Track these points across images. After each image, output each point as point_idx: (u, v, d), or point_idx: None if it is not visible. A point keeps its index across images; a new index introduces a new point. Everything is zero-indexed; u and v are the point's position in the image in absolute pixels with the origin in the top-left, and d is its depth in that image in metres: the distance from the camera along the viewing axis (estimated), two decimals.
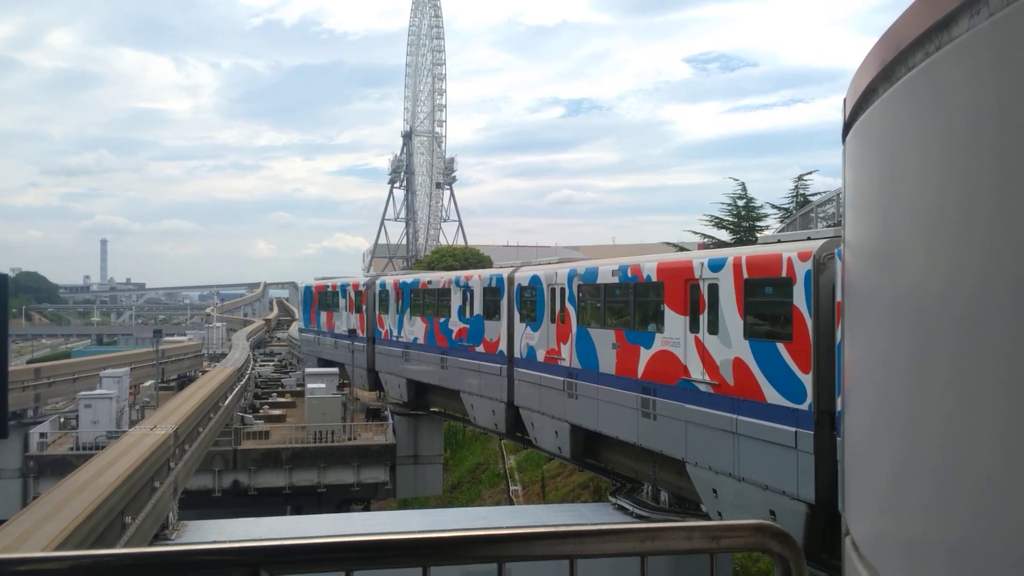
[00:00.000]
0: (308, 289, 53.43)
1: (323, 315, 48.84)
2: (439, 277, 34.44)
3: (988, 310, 1.32)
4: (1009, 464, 1.24)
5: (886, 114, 1.72)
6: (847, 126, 2.05)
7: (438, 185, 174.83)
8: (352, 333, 42.91)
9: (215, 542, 2.22)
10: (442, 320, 32.59)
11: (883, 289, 1.79)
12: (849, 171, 2.04)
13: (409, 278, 36.75)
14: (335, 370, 48.24)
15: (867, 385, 1.93)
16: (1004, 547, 1.24)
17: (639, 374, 20.26)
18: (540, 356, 25.38)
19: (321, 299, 49.57)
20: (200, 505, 34.53)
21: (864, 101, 1.85)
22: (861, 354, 1.98)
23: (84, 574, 1.93)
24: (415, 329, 35.24)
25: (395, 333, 37.26)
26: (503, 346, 27.95)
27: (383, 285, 39.42)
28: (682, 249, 42.41)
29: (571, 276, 23.79)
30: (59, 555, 1.94)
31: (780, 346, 15.61)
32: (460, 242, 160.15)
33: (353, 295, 42.91)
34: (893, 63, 1.62)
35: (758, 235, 51.39)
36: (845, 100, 2.08)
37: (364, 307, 40.79)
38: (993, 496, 1.28)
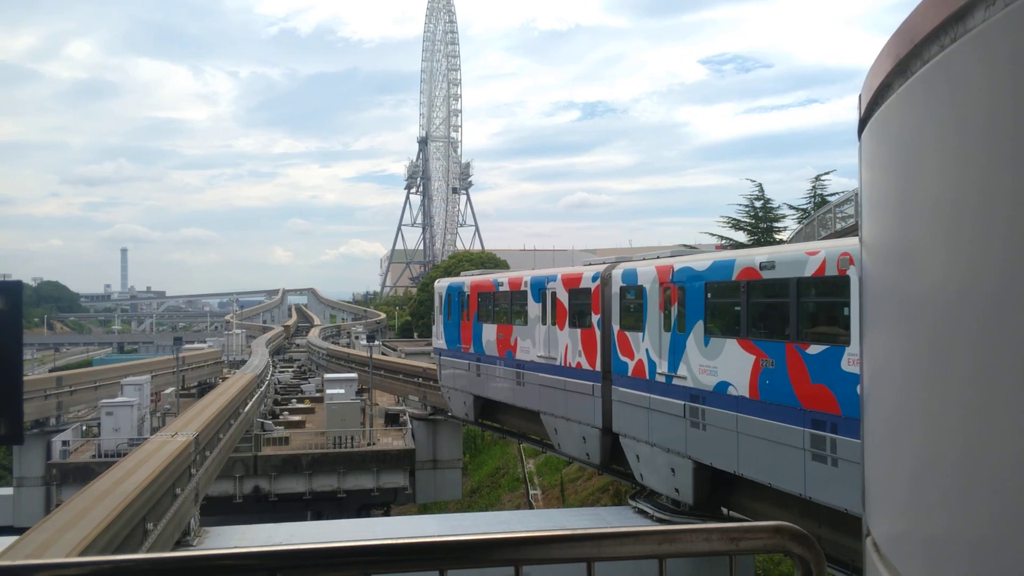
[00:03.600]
0: (455, 289, 33.07)
1: (487, 330, 29.88)
2: (795, 253, 16.00)
3: (1008, 307, 1.30)
4: None
5: (901, 109, 1.71)
6: (862, 123, 2.04)
7: (454, 190, 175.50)
8: (558, 363, 25.10)
9: (233, 547, 2.24)
10: (822, 353, 14.97)
11: (901, 288, 1.78)
12: (865, 168, 2.02)
13: (700, 261, 18.66)
14: (354, 375, 48.31)
15: (886, 385, 1.91)
16: None
17: None
18: None
19: (484, 304, 30.33)
20: (221, 511, 34.74)
21: (879, 97, 1.83)
22: (879, 354, 1.96)
23: None
24: (723, 364, 17.59)
25: (663, 368, 19.77)
26: None
27: (630, 278, 21.52)
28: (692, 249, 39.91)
29: None
30: (79, 560, 1.96)
31: None
32: (476, 247, 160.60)
33: (565, 298, 24.77)
34: (908, 57, 1.61)
35: (775, 236, 51.24)
36: (860, 96, 2.06)
37: (595, 318, 23.07)
38: (1014, 494, 1.26)
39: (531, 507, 40.48)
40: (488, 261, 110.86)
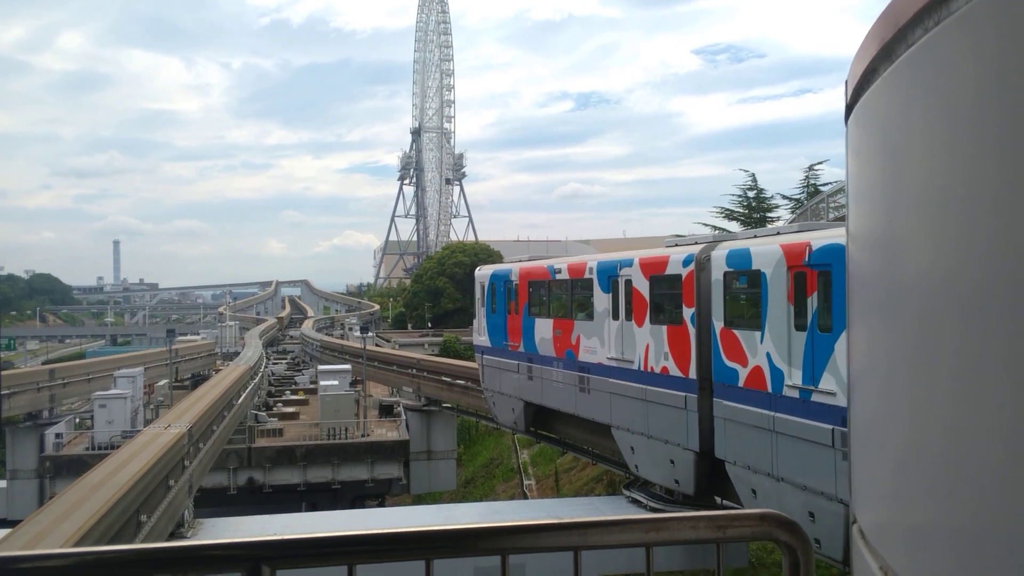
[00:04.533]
0: (501, 278, 28.28)
1: (541, 326, 25.22)
2: None
3: (994, 296, 1.30)
4: (1014, 451, 1.22)
5: (887, 94, 1.70)
6: (848, 109, 2.03)
7: (447, 181, 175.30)
8: (635, 367, 20.22)
9: (218, 538, 2.24)
10: None
11: (887, 277, 1.77)
12: (851, 155, 2.01)
13: None
14: (348, 367, 48.27)
15: (871, 374, 1.90)
16: (1009, 534, 1.22)
17: None
18: None
19: (537, 295, 25.84)
20: (216, 503, 34.73)
21: (865, 82, 1.82)
22: (865, 343, 1.96)
23: (87, 570, 1.93)
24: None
25: (795, 379, 15.14)
26: None
27: (740, 261, 16.86)
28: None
29: None
30: (62, 552, 1.94)
31: None
32: (470, 238, 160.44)
33: (644, 287, 19.96)
34: (892, 41, 1.60)
35: (769, 226, 51.30)
36: (847, 82, 2.05)
37: (687, 312, 18.29)
38: (998, 483, 1.26)
39: (525, 497, 40.57)
40: (481, 252, 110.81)
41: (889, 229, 1.71)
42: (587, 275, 22.54)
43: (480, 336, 30.11)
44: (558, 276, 24.31)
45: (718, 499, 19.82)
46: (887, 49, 1.61)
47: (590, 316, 22.34)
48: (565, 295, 24.04)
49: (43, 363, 79.53)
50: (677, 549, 16.80)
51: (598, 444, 24.54)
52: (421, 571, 2.10)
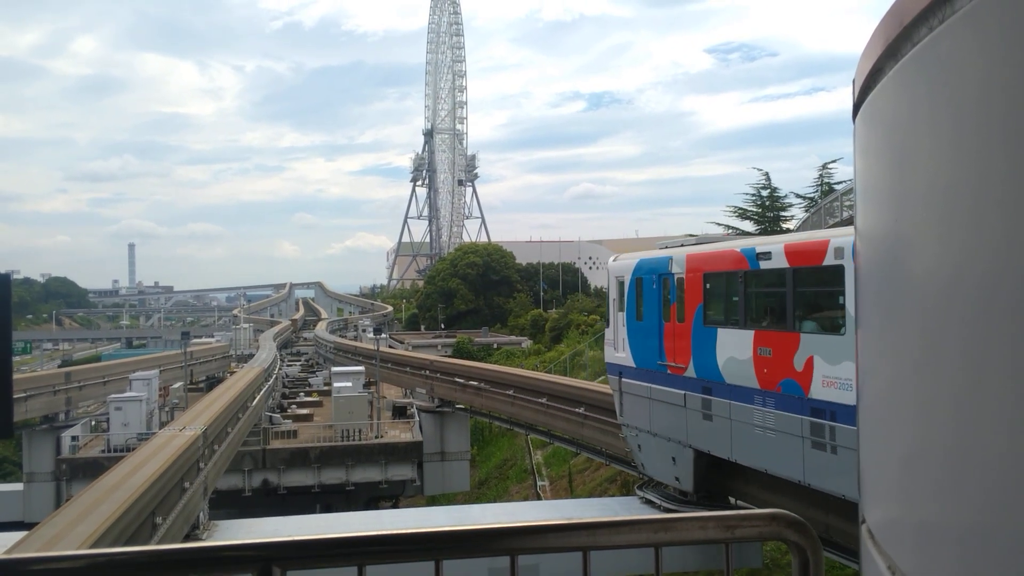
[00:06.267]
0: (654, 270, 20.29)
1: (729, 340, 17.40)
2: None
3: (1000, 295, 1.29)
4: (1021, 450, 1.22)
5: (892, 93, 1.70)
6: (856, 108, 2.02)
7: (460, 182, 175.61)
8: None
9: (229, 539, 2.27)
10: None
11: (894, 276, 1.77)
12: (858, 154, 2.01)
13: None
14: (361, 368, 48.37)
15: (879, 373, 1.90)
16: (1017, 533, 1.22)
17: None
18: None
19: (722, 294, 18.41)
20: (230, 505, 34.88)
21: (871, 81, 1.82)
22: (874, 342, 1.96)
23: (99, 572, 1.94)
24: None
25: None
26: None
27: None
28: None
29: None
30: (74, 554, 1.96)
31: None
32: (483, 239, 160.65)
33: None
34: (898, 40, 1.60)
35: (782, 225, 51.15)
36: (854, 81, 2.05)
37: None
38: (1005, 482, 1.26)
39: (539, 498, 40.54)
40: (494, 253, 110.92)
41: (896, 227, 1.71)
42: (831, 260, 14.48)
43: (618, 352, 22.31)
44: (765, 264, 16.47)
45: (732, 499, 19.93)
46: (893, 48, 1.62)
47: (835, 327, 14.76)
48: (780, 294, 16.37)
49: (59, 366, 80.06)
50: (690, 550, 16.78)
51: (850, 536, 14.56)
52: (431, 572, 2.11)
